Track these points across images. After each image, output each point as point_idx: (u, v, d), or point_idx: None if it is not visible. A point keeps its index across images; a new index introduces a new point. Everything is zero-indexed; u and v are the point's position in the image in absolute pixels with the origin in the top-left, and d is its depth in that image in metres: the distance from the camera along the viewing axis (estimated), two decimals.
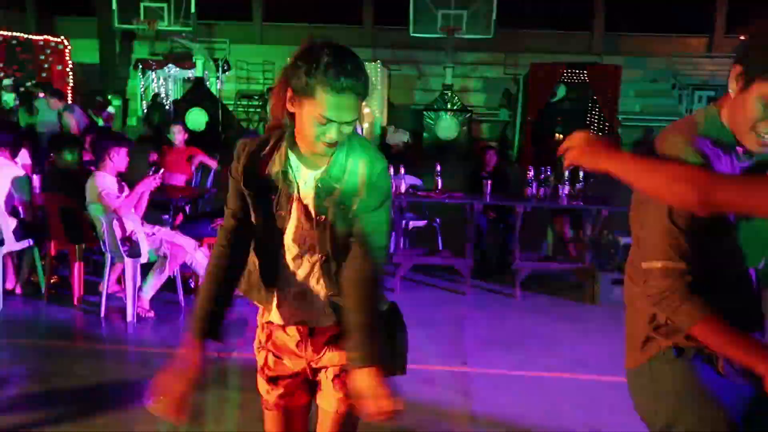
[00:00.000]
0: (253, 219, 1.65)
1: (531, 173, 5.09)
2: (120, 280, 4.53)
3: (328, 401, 1.70)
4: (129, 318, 4.15)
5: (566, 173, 5.25)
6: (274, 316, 1.71)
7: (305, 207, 1.62)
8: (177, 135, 6.42)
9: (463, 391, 3.34)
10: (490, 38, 15.59)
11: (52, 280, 4.63)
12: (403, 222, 5.65)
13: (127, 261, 4.11)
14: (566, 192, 5.11)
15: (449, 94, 16.10)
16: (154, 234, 4.30)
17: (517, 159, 14.08)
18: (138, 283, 4.18)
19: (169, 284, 4.37)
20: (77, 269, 4.44)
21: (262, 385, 1.77)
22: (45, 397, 3.18)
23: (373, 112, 15.37)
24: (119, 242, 4.09)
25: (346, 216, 1.59)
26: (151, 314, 4.23)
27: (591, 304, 4.82)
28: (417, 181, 5.91)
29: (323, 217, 1.60)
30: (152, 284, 4.23)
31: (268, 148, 1.62)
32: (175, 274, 4.36)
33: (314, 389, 1.75)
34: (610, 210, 4.97)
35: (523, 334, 4.20)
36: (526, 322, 4.45)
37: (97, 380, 3.38)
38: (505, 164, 8.10)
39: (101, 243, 4.23)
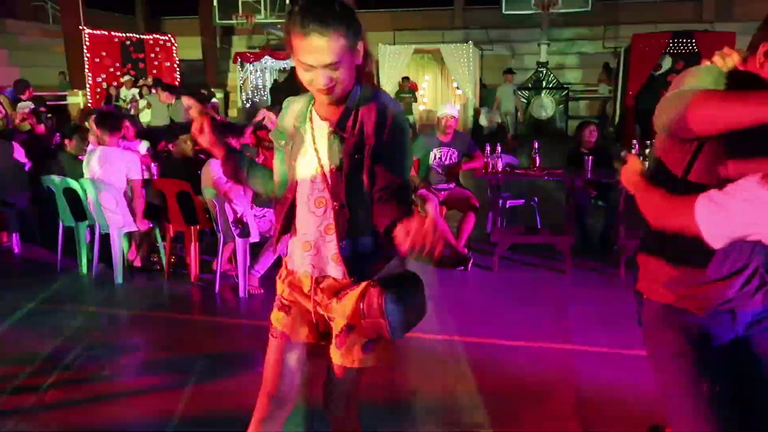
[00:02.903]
0: (274, 168, 1.80)
1: (636, 149, 4.88)
2: (231, 259, 4.81)
3: (334, 354, 1.77)
4: (241, 294, 4.41)
5: None
6: (289, 262, 1.82)
7: (319, 158, 1.69)
8: (267, 123, 6.51)
9: (568, 369, 3.30)
10: (587, 11, 14.93)
11: (171, 260, 4.99)
12: (500, 201, 5.59)
13: (238, 241, 4.36)
14: None
15: (544, 72, 15.62)
16: (264, 216, 4.54)
17: (618, 136, 13.45)
18: (248, 262, 4.43)
19: (277, 262, 4.60)
20: (193, 249, 4.77)
21: (275, 313, 1.86)
22: (168, 362, 3.47)
23: (466, 93, 15.20)
24: (231, 224, 4.35)
25: (360, 166, 1.63)
26: (261, 291, 4.47)
27: None
28: (514, 160, 5.83)
29: (334, 167, 1.66)
30: (263, 263, 4.47)
31: (300, 103, 1.75)
32: (282, 253, 4.57)
33: (322, 335, 1.84)
34: None
35: (627, 314, 4.02)
36: (630, 301, 4.29)
37: (213, 350, 3.63)
38: (606, 141, 7.78)
39: (214, 224, 4.52)
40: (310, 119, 1.71)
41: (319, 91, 1.60)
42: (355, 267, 1.70)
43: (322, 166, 1.68)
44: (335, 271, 1.74)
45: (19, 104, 9.42)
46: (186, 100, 1.83)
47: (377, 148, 1.61)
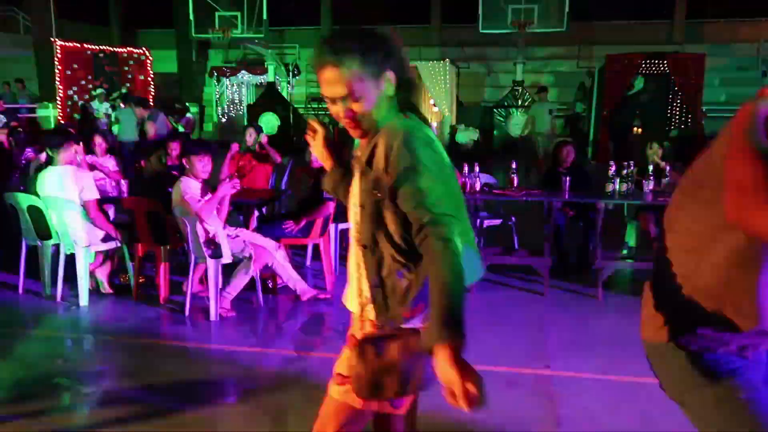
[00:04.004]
0: None
1: (613, 168, 4.87)
2: (202, 280, 4.67)
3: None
4: (212, 317, 4.27)
5: (650, 168, 5.02)
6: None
7: (354, 194, 1.65)
8: (248, 138, 6.45)
9: (548, 395, 3.23)
10: (562, 31, 15.15)
11: (139, 280, 4.83)
12: (478, 221, 5.55)
13: (210, 262, 4.23)
14: (651, 187, 4.88)
15: (520, 90, 15.77)
16: (237, 236, 4.42)
17: (593, 155, 13.61)
18: (220, 284, 4.29)
19: (250, 284, 4.47)
20: (163, 270, 4.61)
21: None
22: (134, 392, 3.30)
23: (442, 111, 15.26)
24: (202, 244, 4.22)
25: (381, 205, 1.55)
26: (233, 314, 4.34)
27: None
28: (491, 179, 5.79)
29: (360, 205, 1.60)
30: (236, 285, 4.34)
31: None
32: (255, 274, 4.45)
33: None
34: None
35: (606, 337, 4.03)
36: (609, 324, 4.27)
37: (183, 377, 3.48)
38: (583, 160, 7.83)
39: (185, 245, 4.38)
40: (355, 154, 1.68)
41: (345, 125, 1.55)
42: (382, 311, 1.62)
43: (354, 203, 1.65)
44: (366, 309, 1.67)
45: None
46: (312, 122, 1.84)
47: (391, 185, 1.51)
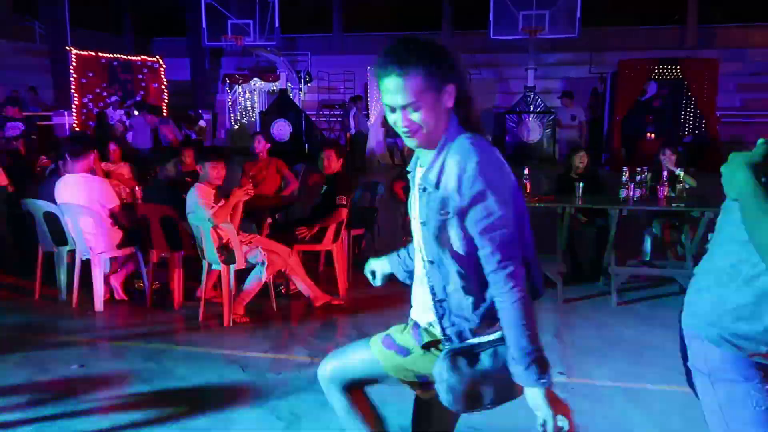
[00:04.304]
0: None
1: (627, 174, 4.85)
2: (216, 286, 4.69)
3: None
4: (225, 323, 4.28)
5: (664, 174, 4.98)
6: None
7: (414, 208, 1.66)
8: (258, 145, 6.39)
9: None
10: (574, 37, 15.10)
11: (154, 286, 4.85)
12: None
13: (223, 268, 4.25)
14: (665, 194, 4.84)
15: (531, 96, 15.72)
16: (250, 242, 4.44)
17: (606, 160, 13.53)
18: (233, 290, 4.31)
19: (263, 291, 4.48)
20: (177, 276, 4.64)
21: None
22: (148, 397, 3.32)
23: None
24: (216, 250, 4.24)
25: (447, 223, 1.54)
26: (246, 319, 4.35)
27: None
28: None
29: (422, 221, 1.59)
30: (249, 291, 4.36)
31: None
32: (268, 280, 4.46)
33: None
34: (715, 212, 4.65)
35: (622, 343, 4.00)
36: (624, 331, 4.23)
37: (197, 382, 3.50)
38: (596, 166, 7.77)
39: (199, 251, 4.40)
40: (419, 165, 1.67)
41: (403, 135, 1.56)
42: (449, 326, 1.62)
43: (414, 217, 1.65)
44: (426, 322, 1.69)
45: (9, 124, 9.24)
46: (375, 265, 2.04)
47: (461, 208, 1.51)
